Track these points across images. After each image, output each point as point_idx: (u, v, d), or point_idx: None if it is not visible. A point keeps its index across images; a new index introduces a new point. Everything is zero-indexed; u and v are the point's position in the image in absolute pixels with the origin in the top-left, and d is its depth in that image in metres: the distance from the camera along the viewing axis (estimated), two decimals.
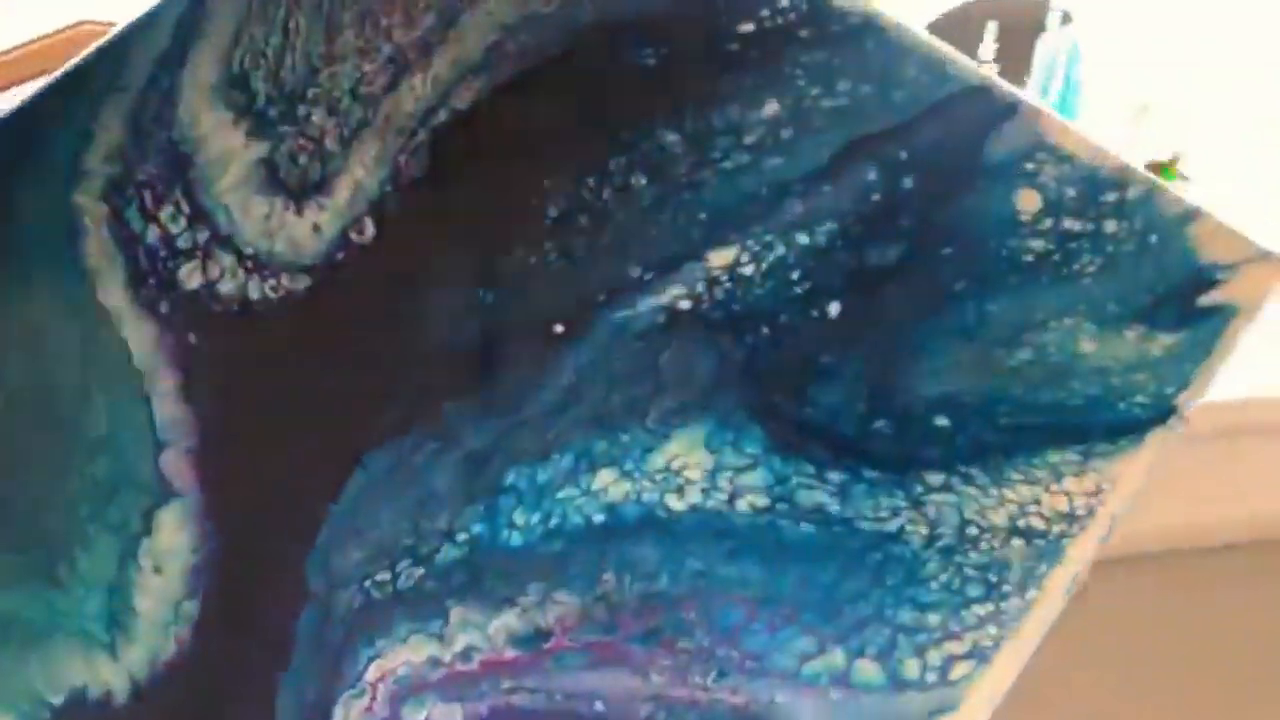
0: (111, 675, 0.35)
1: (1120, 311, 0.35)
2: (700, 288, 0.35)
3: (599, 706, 0.35)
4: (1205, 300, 0.35)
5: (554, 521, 0.35)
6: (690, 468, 0.35)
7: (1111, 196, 0.35)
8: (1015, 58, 0.81)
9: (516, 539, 0.35)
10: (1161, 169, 0.81)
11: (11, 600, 0.35)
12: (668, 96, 0.36)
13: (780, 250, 0.35)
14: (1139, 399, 0.35)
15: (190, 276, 0.35)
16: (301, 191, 0.36)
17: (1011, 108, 0.35)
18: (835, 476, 0.35)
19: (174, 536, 0.35)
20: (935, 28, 0.81)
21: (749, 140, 0.36)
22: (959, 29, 0.77)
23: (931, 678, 0.35)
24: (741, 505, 0.35)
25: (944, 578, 0.34)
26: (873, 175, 0.35)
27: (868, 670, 0.34)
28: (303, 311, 0.35)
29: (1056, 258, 0.35)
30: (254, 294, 0.35)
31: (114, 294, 0.35)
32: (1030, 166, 0.35)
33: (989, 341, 0.35)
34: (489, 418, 0.35)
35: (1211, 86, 0.81)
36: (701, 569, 0.35)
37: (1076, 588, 0.34)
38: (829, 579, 0.34)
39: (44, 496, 0.35)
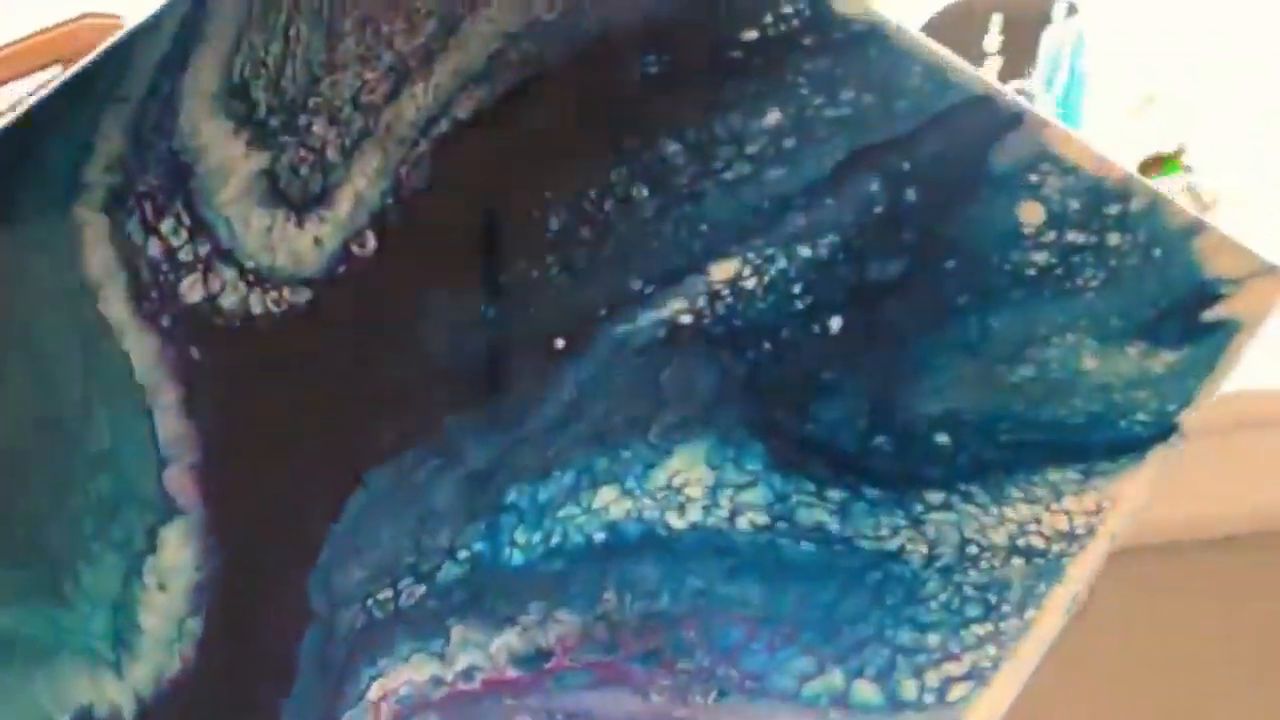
0: (117, 693, 0.35)
1: (1123, 326, 0.35)
2: (702, 301, 0.35)
3: None
4: (1208, 315, 0.35)
5: (555, 540, 0.35)
6: (691, 485, 0.35)
7: (1115, 208, 0.35)
8: (1020, 49, 0.81)
9: (518, 557, 0.35)
10: (1166, 160, 0.81)
11: (17, 617, 0.35)
12: (670, 105, 0.36)
13: (782, 263, 0.35)
14: (1140, 416, 0.35)
15: (192, 290, 0.35)
16: (303, 203, 0.35)
17: (1016, 117, 0.35)
18: (835, 494, 0.35)
19: (178, 553, 0.35)
20: (940, 20, 0.80)
21: (751, 150, 0.35)
22: (964, 21, 0.77)
23: (929, 699, 0.35)
24: (742, 523, 0.35)
25: (943, 597, 0.34)
26: (875, 186, 0.35)
27: (866, 691, 0.35)
28: (304, 325, 0.35)
29: (1059, 271, 0.35)
30: (256, 308, 0.35)
31: (116, 306, 0.35)
32: (1034, 178, 0.35)
33: (991, 357, 0.35)
34: (491, 434, 0.35)
35: (1216, 78, 0.81)
36: (702, 588, 0.35)
37: (1076, 607, 0.34)
38: (829, 598, 0.34)
39: (48, 512, 0.35)
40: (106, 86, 0.35)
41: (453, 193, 0.35)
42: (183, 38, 0.35)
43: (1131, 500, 0.34)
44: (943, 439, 0.35)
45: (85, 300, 0.35)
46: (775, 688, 0.35)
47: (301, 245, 0.35)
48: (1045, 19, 0.78)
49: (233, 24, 0.35)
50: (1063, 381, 0.35)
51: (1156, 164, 0.80)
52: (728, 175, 0.35)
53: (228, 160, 0.35)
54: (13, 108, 0.51)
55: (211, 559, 0.35)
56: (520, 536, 0.35)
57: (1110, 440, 0.34)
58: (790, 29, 0.35)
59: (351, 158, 0.35)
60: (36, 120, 0.35)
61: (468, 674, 0.35)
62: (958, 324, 0.35)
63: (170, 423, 0.35)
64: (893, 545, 0.34)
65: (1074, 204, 0.35)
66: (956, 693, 0.34)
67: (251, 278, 0.35)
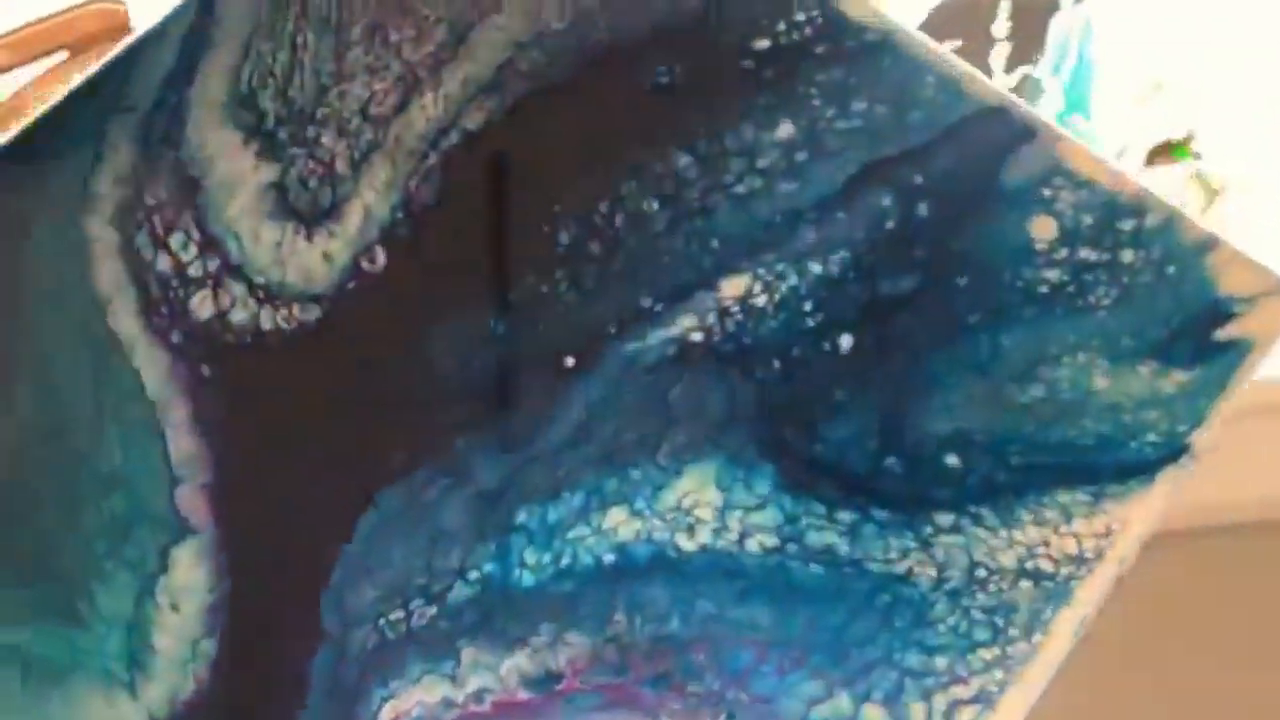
0: (133, 714, 0.35)
1: (1135, 346, 0.35)
2: (711, 319, 0.35)
3: None
4: (1221, 334, 0.35)
5: (565, 561, 0.35)
6: (701, 506, 0.35)
7: (1129, 224, 0.35)
8: (1028, 35, 0.80)
9: (528, 579, 0.35)
10: (1175, 146, 0.81)
11: (32, 637, 0.35)
12: (681, 116, 0.35)
13: (793, 280, 0.35)
14: (1151, 437, 0.35)
15: (202, 306, 0.35)
16: (312, 217, 0.35)
17: (1030, 130, 0.35)
18: (845, 516, 0.35)
19: (190, 574, 0.35)
20: (949, 5, 0.80)
21: (762, 163, 0.35)
22: (972, 7, 0.77)
23: None
24: (751, 545, 0.35)
25: (951, 620, 0.34)
26: (887, 201, 0.35)
27: (874, 715, 0.35)
28: (314, 343, 0.35)
29: (1072, 289, 0.35)
30: (266, 324, 0.35)
31: (125, 322, 0.35)
32: (1047, 192, 0.35)
33: (1001, 376, 0.35)
34: (500, 453, 0.35)
35: (1225, 65, 0.80)
36: (712, 611, 0.35)
37: (1084, 630, 0.34)
38: (838, 621, 0.35)
39: (61, 531, 0.35)
40: (113, 95, 0.35)
41: (462, 207, 0.35)
42: (190, 46, 0.35)
43: (1141, 523, 0.34)
44: (953, 460, 0.35)
45: (95, 315, 0.35)
46: (784, 711, 0.35)
47: (311, 261, 0.35)
48: (1053, 5, 0.77)
49: (240, 32, 0.35)
50: (1073, 402, 0.35)
51: (1165, 150, 0.79)
52: (739, 189, 0.35)
53: (236, 172, 0.35)
54: (17, 115, 0.50)
55: (224, 579, 0.35)
56: (530, 557, 0.35)
57: (1120, 462, 0.34)
58: (803, 37, 0.35)
59: (360, 170, 0.35)
60: (44, 130, 0.35)
61: (478, 696, 0.35)
62: (968, 342, 0.35)
63: (182, 441, 0.35)
64: (902, 568, 0.35)
65: (1087, 219, 0.35)
66: (964, 716, 0.35)
67: (261, 294, 0.35)
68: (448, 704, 0.35)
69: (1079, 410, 0.35)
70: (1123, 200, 0.35)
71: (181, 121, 0.35)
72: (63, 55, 0.55)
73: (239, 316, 0.35)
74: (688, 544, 0.35)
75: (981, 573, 0.35)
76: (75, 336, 0.35)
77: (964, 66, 0.35)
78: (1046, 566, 0.34)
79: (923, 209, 0.35)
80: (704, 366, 0.35)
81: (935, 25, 0.73)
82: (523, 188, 0.35)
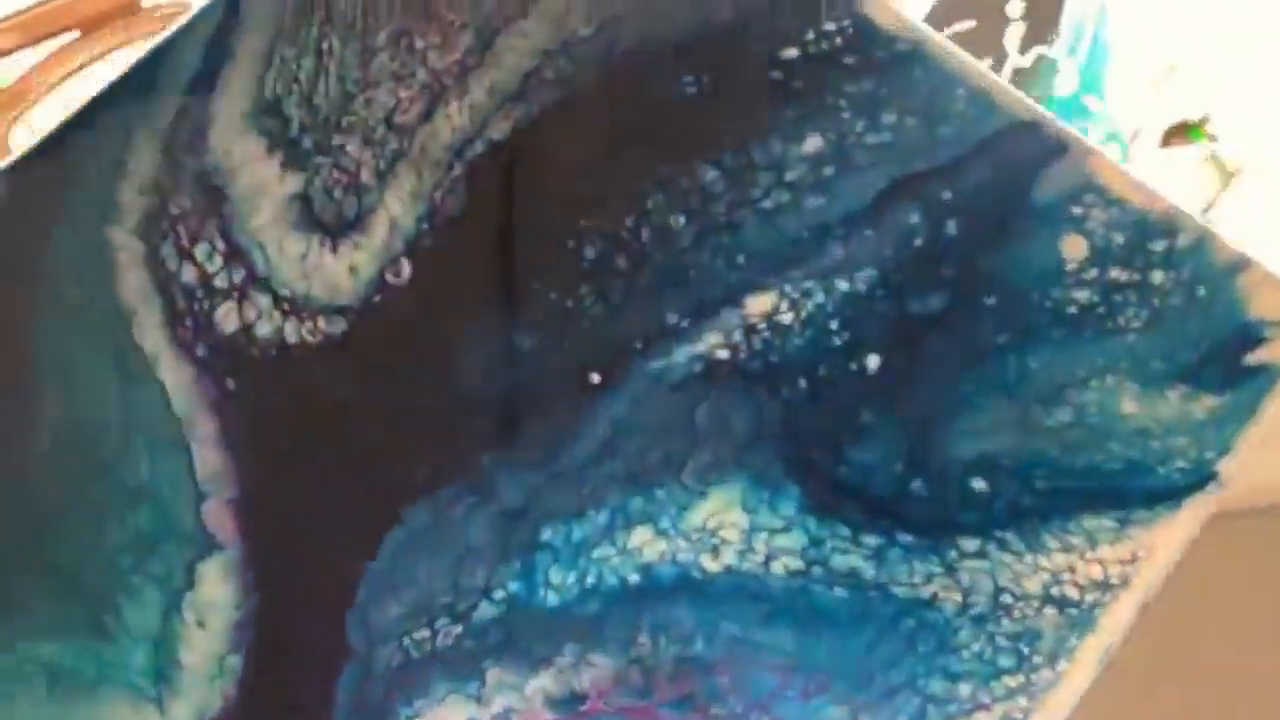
0: None
1: (1165, 370, 0.34)
2: (738, 336, 0.35)
3: None
4: (1251, 359, 0.34)
5: (590, 581, 0.35)
6: (726, 527, 0.35)
7: (1160, 245, 0.34)
8: (1043, 16, 0.80)
9: (553, 598, 0.35)
10: (1191, 128, 0.80)
11: (60, 650, 0.35)
12: (708, 128, 0.35)
13: (820, 298, 0.35)
14: (1179, 464, 0.34)
15: (227, 318, 0.35)
16: (338, 229, 0.35)
17: (1061, 146, 0.34)
18: (870, 540, 0.35)
19: (216, 589, 0.35)
20: None
21: (790, 177, 0.35)
22: None
23: None
24: (776, 568, 0.35)
25: (976, 646, 0.34)
26: (916, 218, 0.35)
27: None
28: (339, 356, 0.35)
29: (1101, 310, 0.34)
30: (291, 338, 0.35)
31: (151, 334, 0.35)
32: (1078, 210, 0.34)
33: (1029, 399, 0.34)
34: (524, 471, 0.35)
35: (1240, 48, 0.80)
36: (737, 633, 0.35)
37: (1109, 657, 0.34)
38: (862, 645, 0.35)
39: (88, 545, 0.35)
40: (138, 102, 0.35)
41: (487, 220, 0.35)
42: (214, 52, 0.35)
43: (1167, 550, 0.34)
44: (979, 484, 0.34)
45: (120, 327, 0.35)
46: None
47: (336, 273, 0.35)
48: None
49: (264, 38, 0.35)
50: (1101, 426, 0.34)
51: (1181, 130, 0.79)
52: (766, 204, 0.35)
53: (261, 182, 0.35)
54: (23, 98, 0.50)
55: (250, 595, 0.35)
56: (555, 577, 0.35)
57: (1148, 488, 0.34)
58: (832, 47, 0.35)
59: (386, 181, 0.35)
60: (70, 137, 0.35)
61: (503, 716, 0.35)
62: (996, 363, 0.34)
63: (208, 455, 0.35)
64: (926, 593, 0.34)
65: (1118, 238, 0.34)
66: None
67: (287, 306, 0.35)
68: None
69: (1106, 434, 0.34)
70: (1154, 219, 0.34)
71: (206, 129, 0.35)
72: (73, 35, 0.55)
73: (264, 329, 0.35)
74: (713, 565, 0.35)
75: (1007, 598, 0.34)
76: (101, 348, 0.35)
77: (995, 79, 0.35)
78: (1072, 593, 0.34)
79: (952, 226, 0.35)
80: (730, 385, 0.35)
81: (950, 6, 0.72)
82: (547, 200, 0.35)
